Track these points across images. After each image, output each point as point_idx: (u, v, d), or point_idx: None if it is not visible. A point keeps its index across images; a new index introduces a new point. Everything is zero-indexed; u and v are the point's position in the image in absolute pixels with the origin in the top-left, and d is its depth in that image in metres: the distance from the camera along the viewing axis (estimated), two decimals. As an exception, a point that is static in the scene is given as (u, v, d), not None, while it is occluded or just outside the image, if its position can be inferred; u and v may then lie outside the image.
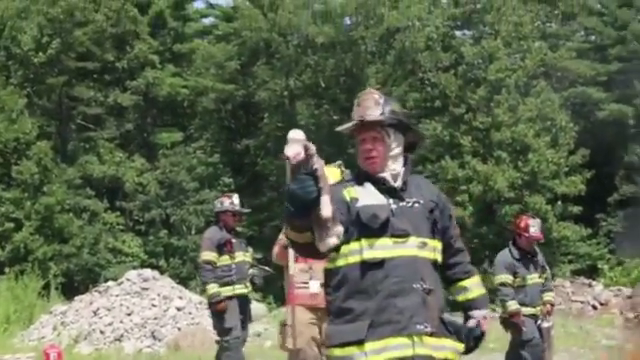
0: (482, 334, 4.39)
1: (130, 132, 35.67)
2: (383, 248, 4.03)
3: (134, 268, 23.81)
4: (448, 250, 4.36)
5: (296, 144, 3.60)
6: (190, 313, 17.82)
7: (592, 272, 27.85)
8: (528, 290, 9.65)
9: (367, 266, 4.02)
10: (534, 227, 9.69)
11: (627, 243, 28.55)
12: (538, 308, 9.69)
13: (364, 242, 4.01)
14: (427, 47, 33.04)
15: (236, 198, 10.74)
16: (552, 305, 10.00)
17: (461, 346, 4.23)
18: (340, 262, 4.06)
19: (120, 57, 34.07)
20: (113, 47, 34.12)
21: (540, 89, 31.70)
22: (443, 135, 31.61)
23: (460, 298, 4.46)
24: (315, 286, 7.45)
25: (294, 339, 7.49)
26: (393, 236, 4.05)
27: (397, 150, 4.21)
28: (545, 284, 9.93)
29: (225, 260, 10.35)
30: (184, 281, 26.33)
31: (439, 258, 4.27)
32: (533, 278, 9.70)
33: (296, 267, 7.55)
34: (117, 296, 18.04)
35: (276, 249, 7.64)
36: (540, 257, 9.96)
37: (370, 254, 4.02)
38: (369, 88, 4.38)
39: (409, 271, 4.05)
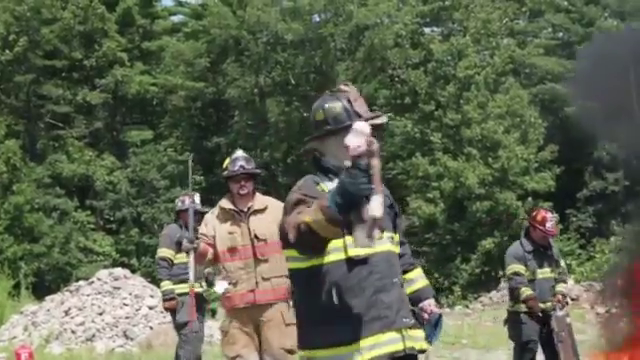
0: (440, 316, 4.49)
1: (99, 130, 35.54)
2: None
3: (105, 267, 23.68)
4: None
5: (360, 136, 3.51)
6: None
7: (562, 267, 28.04)
8: (537, 284, 9.39)
9: (353, 263, 3.98)
10: (551, 222, 9.46)
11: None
12: (548, 304, 9.41)
13: (348, 239, 3.91)
14: (396, 44, 33.15)
15: (197, 197, 10.58)
16: (564, 296, 9.71)
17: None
18: (321, 260, 3.97)
19: (88, 55, 33.89)
20: (81, 45, 33.97)
21: (509, 86, 31.90)
22: (413, 132, 31.75)
23: (407, 290, 4.45)
24: (222, 287, 7.33)
25: (229, 346, 7.33)
26: None
27: None
28: (559, 277, 9.70)
29: (182, 258, 9.99)
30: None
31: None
32: (544, 273, 9.47)
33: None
34: (88, 295, 17.91)
35: (208, 249, 7.48)
36: (554, 251, 9.73)
37: (355, 251, 3.96)
38: (349, 85, 4.30)
39: (387, 266, 4.07)
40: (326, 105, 4.17)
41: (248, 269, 7.28)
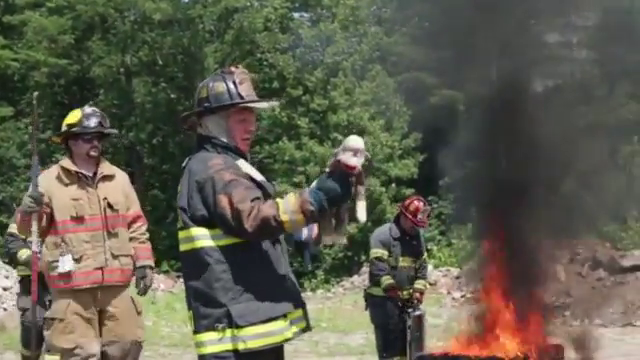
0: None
1: (-44, 106, 34.33)
2: None
3: (-41, 247, 22.89)
4: None
5: (360, 155, 3.78)
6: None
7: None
8: (397, 272, 9.43)
9: (276, 240, 4.05)
10: (422, 213, 9.47)
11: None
12: (405, 292, 9.46)
13: None
14: (265, 28, 33.14)
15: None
16: (421, 293, 9.72)
17: None
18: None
19: (-54, 27, 32.71)
20: (-62, 17, 32.74)
21: (375, 73, 32.33)
22: (281, 116, 31.83)
23: None
24: (67, 263, 6.22)
25: (64, 335, 6.23)
26: None
27: None
28: (420, 271, 9.74)
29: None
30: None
31: None
32: (405, 261, 9.51)
33: (47, 241, 6.42)
34: (-61, 276, 17.37)
35: (18, 217, 6.42)
36: (421, 242, 9.81)
37: None
38: (240, 67, 4.28)
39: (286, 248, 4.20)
40: (211, 84, 4.17)
41: (96, 243, 6.31)
